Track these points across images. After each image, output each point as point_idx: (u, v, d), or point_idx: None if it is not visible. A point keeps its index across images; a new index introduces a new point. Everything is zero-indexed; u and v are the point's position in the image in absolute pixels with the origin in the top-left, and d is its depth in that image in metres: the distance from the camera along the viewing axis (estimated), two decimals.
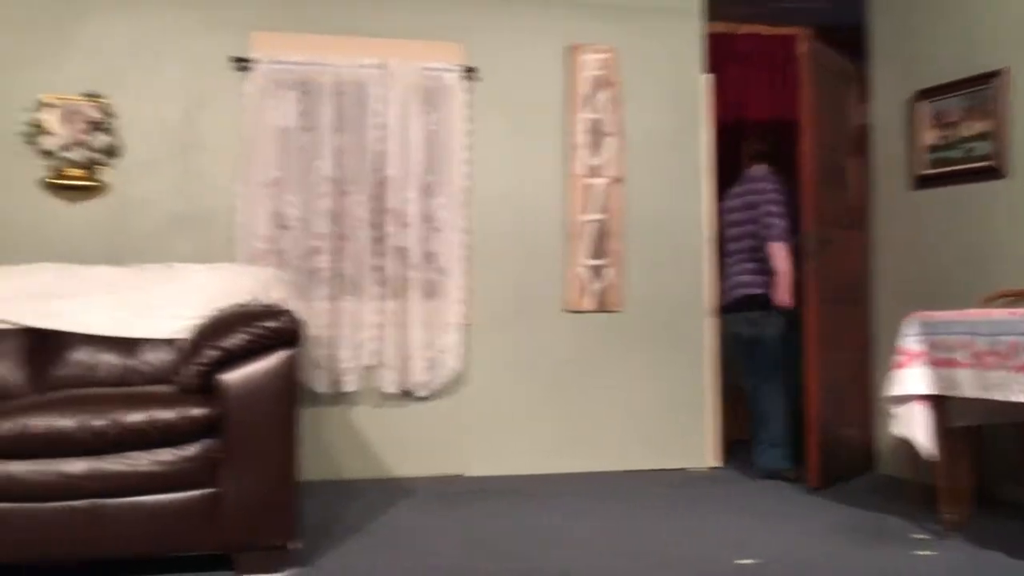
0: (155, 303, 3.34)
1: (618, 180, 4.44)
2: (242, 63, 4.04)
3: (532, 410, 4.36)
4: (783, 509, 3.57)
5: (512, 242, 4.36)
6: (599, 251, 4.41)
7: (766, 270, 4.14)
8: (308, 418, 3.96)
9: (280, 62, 4.06)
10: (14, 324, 3.27)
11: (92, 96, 3.88)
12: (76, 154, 3.83)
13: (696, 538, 3.12)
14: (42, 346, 3.28)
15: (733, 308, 4.33)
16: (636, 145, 4.49)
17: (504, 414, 4.33)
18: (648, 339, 4.48)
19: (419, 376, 4.16)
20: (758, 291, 4.18)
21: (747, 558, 2.85)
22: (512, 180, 4.37)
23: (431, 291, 4.21)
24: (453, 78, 4.25)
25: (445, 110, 4.26)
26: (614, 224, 4.43)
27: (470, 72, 4.27)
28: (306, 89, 4.10)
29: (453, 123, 4.25)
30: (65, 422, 2.59)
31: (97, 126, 3.86)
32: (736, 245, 4.32)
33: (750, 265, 4.22)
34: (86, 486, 2.60)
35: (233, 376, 2.78)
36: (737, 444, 4.71)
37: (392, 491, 3.90)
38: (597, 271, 4.40)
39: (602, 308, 4.42)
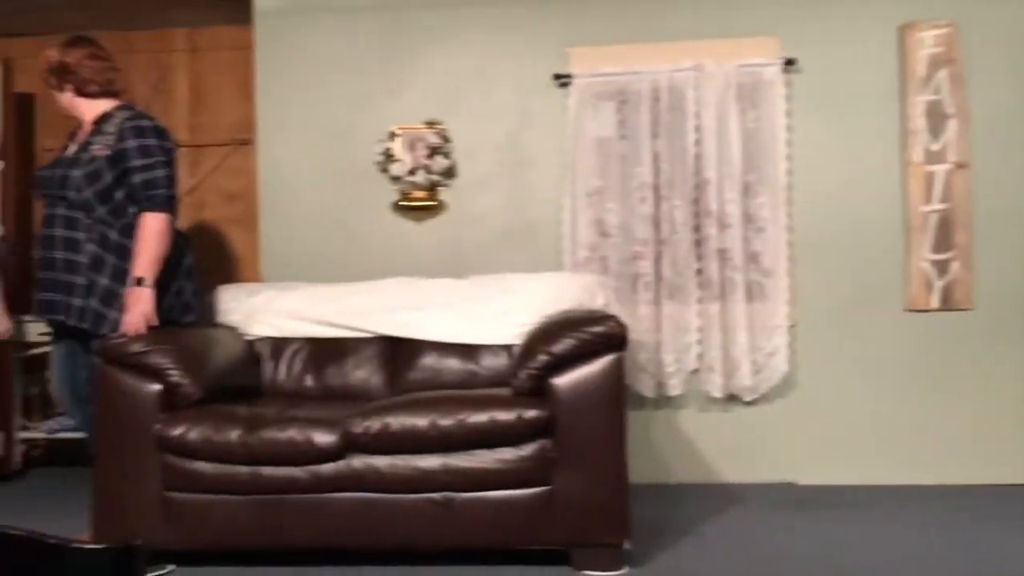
0: (491, 312, 3.58)
1: (961, 166, 4.05)
2: (562, 79, 4.21)
3: (869, 417, 4.09)
4: None
5: (842, 238, 4.13)
6: (943, 244, 4.04)
7: None
8: (635, 421, 4.02)
9: (598, 75, 4.18)
10: (372, 333, 3.66)
11: (432, 123, 4.24)
12: (419, 177, 4.20)
13: None
14: (396, 352, 3.64)
15: None
16: (981, 127, 4.06)
17: (838, 420, 4.11)
18: (1003, 340, 4.03)
19: (745, 380, 4.07)
20: None
21: None
22: (839, 173, 4.15)
23: (755, 293, 4.11)
24: (771, 72, 4.12)
25: (764, 106, 4.14)
26: (959, 214, 4.04)
27: (789, 64, 4.11)
28: (624, 98, 4.19)
29: (773, 119, 4.12)
30: (419, 421, 2.86)
31: (436, 151, 4.21)
32: None
33: None
34: (439, 480, 2.85)
35: (563, 380, 2.91)
36: None
37: (720, 496, 3.85)
38: (942, 266, 4.04)
39: (947, 307, 4.05)
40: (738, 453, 4.15)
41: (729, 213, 4.07)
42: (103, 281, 3.11)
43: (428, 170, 4.20)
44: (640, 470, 3.98)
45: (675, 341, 4.13)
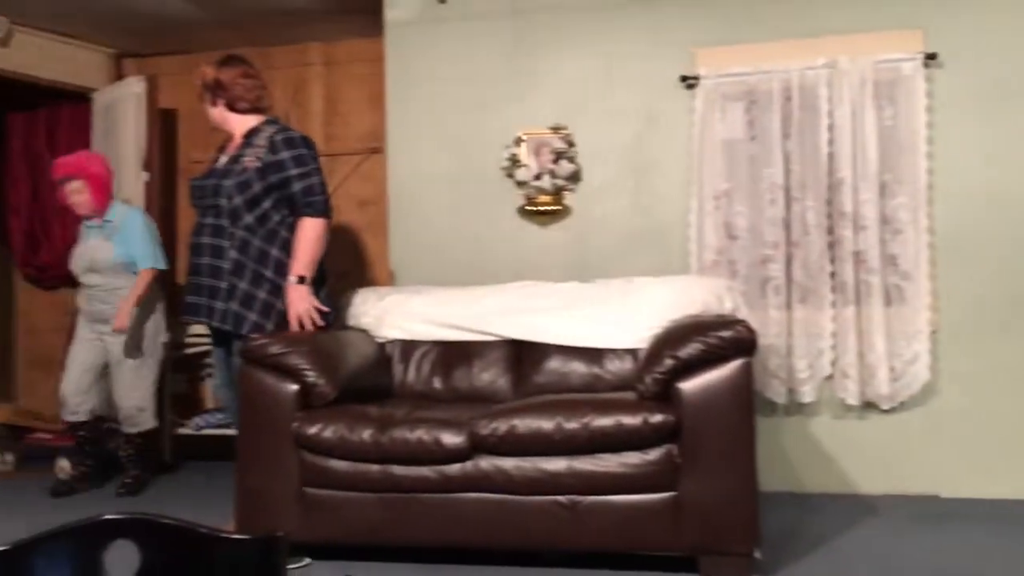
0: (616, 316, 3.57)
1: None
2: (689, 80, 4.16)
3: (1018, 427, 3.86)
4: None
5: (990, 241, 3.92)
6: None
7: None
8: (765, 428, 3.92)
9: (725, 75, 4.11)
10: (498, 336, 3.71)
11: (557, 128, 4.26)
12: (545, 182, 4.23)
13: None
14: (522, 355, 3.67)
15: None
16: None
17: (984, 431, 3.90)
18: None
19: (883, 387, 3.91)
20: None
21: None
22: (987, 172, 3.93)
23: (893, 297, 3.95)
24: (911, 68, 3.95)
25: (902, 103, 3.98)
26: None
27: (931, 59, 3.93)
28: (752, 98, 4.10)
29: (912, 116, 3.95)
30: (544, 424, 2.88)
31: (561, 155, 4.23)
32: None
33: None
34: (565, 483, 2.86)
35: (690, 384, 2.87)
36: None
37: (855, 507, 3.71)
38: None
39: None
40: (875, 463, 3.99)
41: (865, 214, 3.92)
42: (243, 285, 3.28)
43: (553, 174, 4.22)
44: (771, 478, 3.89)
45: (807, 346, 4.01)
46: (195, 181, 3.44)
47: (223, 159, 3.43)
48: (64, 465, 4.47)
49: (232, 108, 3.43)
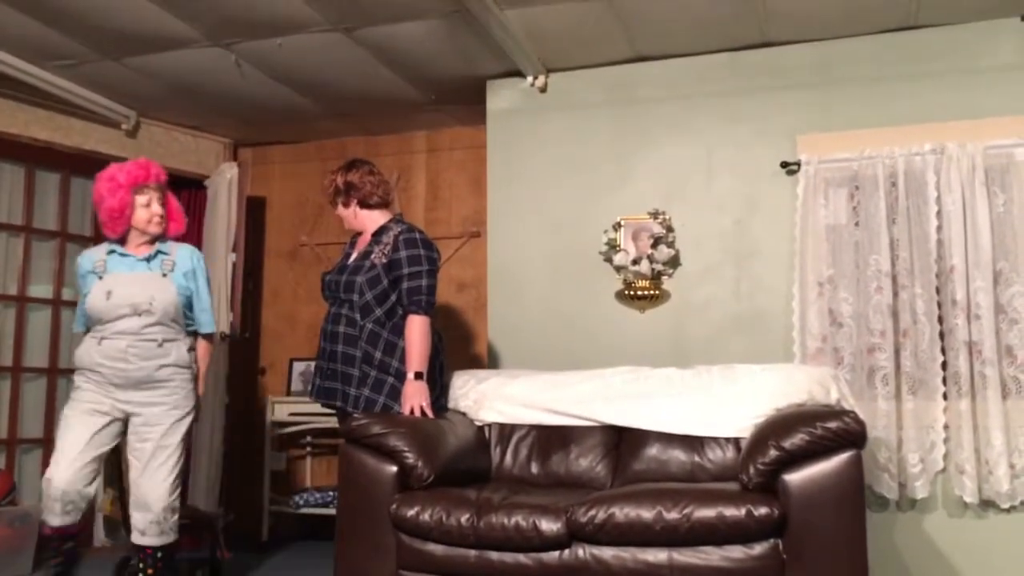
0: (718, 403, 3.49)
1: None
2: (790, 167, 4.14)
3: None
4: None
5: None
6: None
7: None
8: (876, 524, 3.75)
9: (828, 160, 4.07)
10: (596, 422, 3.67)
11: (656, 213, 4.28)
12: (643, 267, 4.23)
13: None
14: (620, 442, 3.62)
15: None
16: None
17: None
18: None
19: (1002, 485, 3.69)
20: None
21: None
22: None
23: (1011, 389, 3.76)
24: None
25: (1015, 190, 3.86)
26: None
27: None
28: (856, 184, 4.04)
29: None
30: (644, 513, 2.82)
31: (660, 240, 4.23)
32: None
33: None
34: None
35: (796, 477, 2.79)
36: None
37: None
38: None
39: None
40: (995, 565, 3.75)
41: (979, 303, 3.78)
42: (373, 373, 3.45)
43: (652, 259, 4.22)
44: None
45: (919, 439, 3.84)
46: (329, 276, 3.65)
47: (354, 255, 3.65)
48: None
49: (365, 205, 3.66)
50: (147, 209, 3.44)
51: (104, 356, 3.34)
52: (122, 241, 3.47)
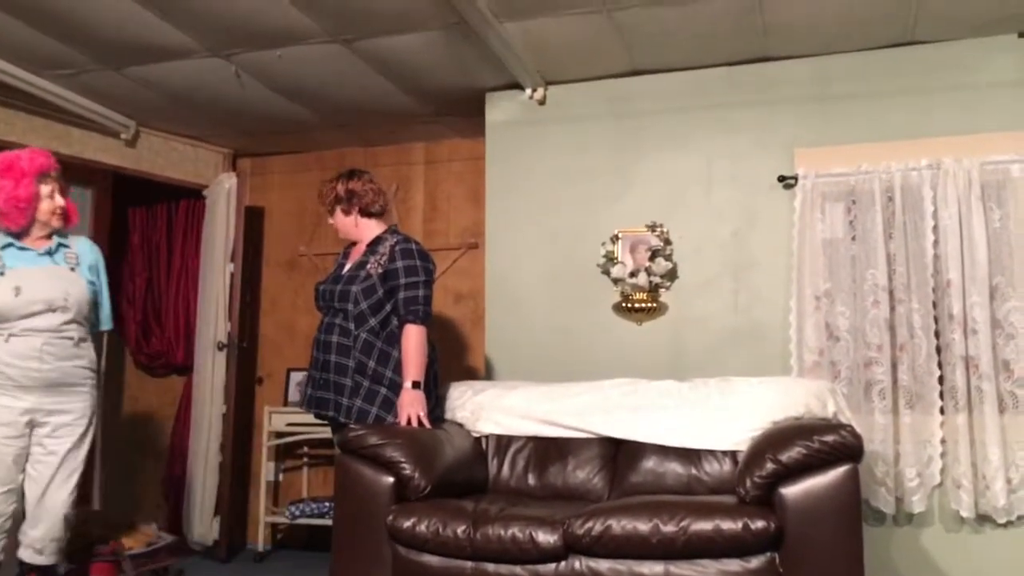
0: (715, 416, 3.49)
1: None
2: (788, 180, 4.15)
3: None
4: None
5: None
6: None
7: None
8: (873, 538, 3.75)
9: (825, 175, 4.09)
10: (594, 434, 3.67)
11: (653, 226, 4.29)
12: (641, 279, 4.23)
13: None
14: (617, 454, 3.62)
15: None
16: None
17: None
18: None
19: (999, 499, 3.70)
20: None
21: None
22: None
23: (1007, 404, 3.77)
24: (1019, 170, 3.86)
25: (1011, 205, 3.88)
26: None
27: None
28: (854, 198, 4.06)
29: (1022, 218, 3.84)
30: (641, 525, 2.81)
31: (658, 253, 4.24)
32: None
33: None
34: None
35: (793, 490, 2.79)
36: None
37: None
38: None
39: None
40: None
41: (975, 317, 3.79)
42: (365, 383, 3.44)
43: (649, 272, 4.23)
44: None
45: (916, 453, 3.84)
46: (323, 286, 3.65)
47: (348, 265, 3.65)
48: None
49: (365, 213, 3.66)
50: (51, 200, 3.27)
51: (13, 355, 3.10)
52: (18, 235, 3.25)
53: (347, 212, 3.67)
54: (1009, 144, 3.89)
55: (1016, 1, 3.69)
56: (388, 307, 3.50)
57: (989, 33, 3.97)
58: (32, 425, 3.16)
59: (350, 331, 3.47)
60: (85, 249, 3.40)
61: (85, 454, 3.28)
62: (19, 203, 3.18)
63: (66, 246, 3.34)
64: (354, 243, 3.73)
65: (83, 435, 3.27)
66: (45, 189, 3.26)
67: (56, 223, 3.31)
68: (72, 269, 3.30)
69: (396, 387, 3.43)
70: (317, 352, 3.55)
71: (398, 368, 3.45)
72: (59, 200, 3.31)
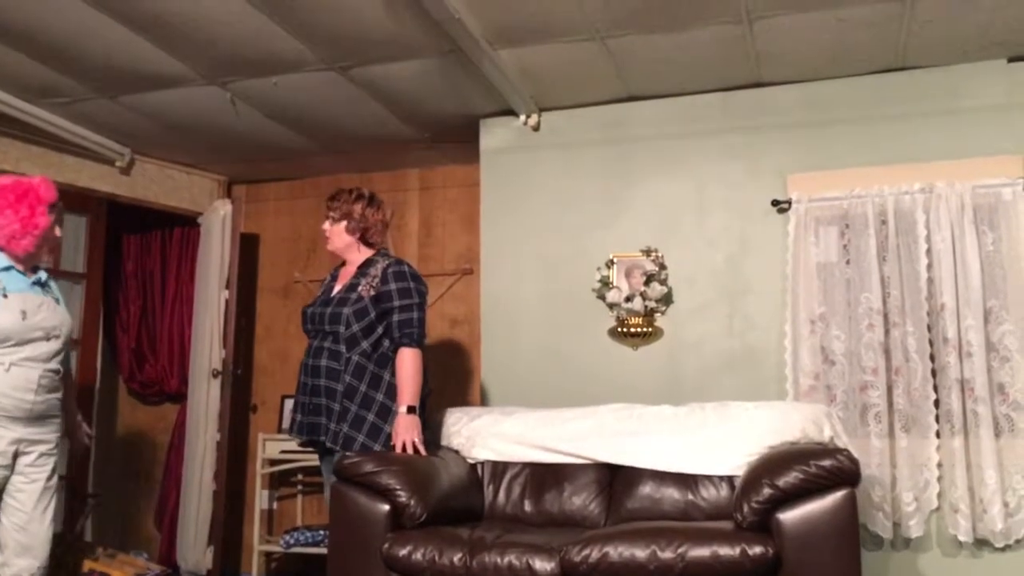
0: (711, 440, 3.48)
1: None
2: (781, 205, 4.17)
3: None
4: None
5: None
6: None
7: None
8: (871, 563, 3.73)
9: (818, 199, 4.11)
10: (590, 459, 3.65)
11: (648, 251, 4.30)
12: (636, 304, 4.23)
13: None
14: (614, 480, 3.60)
15: None
16: None
17: None
18: None
19: (996, 523, 3.69)
20: None
21: None
22: None
23: (1003, 427, 3.77)
24: (1011, 193, 3.88)
25: (1003, 228, 3.90)
26: None
27: None
28: (847, 222, 4.07)
29: (1015, 241, 3.86)
30: (638, 552, 2.80)
31: (653, 277, 4.25)
32: None
33: None
34: None
35: (790, 515, 2.78)
36: None
37: None
38: None
39: None
40: None
41: (970, 341, 3.80)
42: (353, 408, 3.40)
43: (644, 296, 4.23)
44: None
45: (913, 477, 3.83)
46: (311, 309, 3.60)
47: (337, 287, 3.61)
48: None
49: (364, 240, 3.66)
50: (53, 232, 3.27)
51: (11, 387, 3.04)
52: (15, 260, 3.20)
53: (350, 231, 3.64)
54: (1000, 168, 3.92)
55: (1004, 27, 3.73)
56: (380, 329, 3.47)
57: (979, 58, 4.01)
58: (16, 455, 3.11)
59: (340, 354, 3.43)
60: (54, 284, 3.37)
61: (57, 481, 3.28)
62: (36, 230, 3.17)
63: (48, 278, 3.32)
64: (342, 264, 3.71)
65: (55, 462, 3.26)
66: (52, 219, 3.26)
67: (49, 255, 3.31)
68: (57, 301, 3.29)
69: (385, 412, 3.40)
70: (305, 377, 3.51)
71: (390, 392, 3.42)
72: (58, 232, 3.32)
